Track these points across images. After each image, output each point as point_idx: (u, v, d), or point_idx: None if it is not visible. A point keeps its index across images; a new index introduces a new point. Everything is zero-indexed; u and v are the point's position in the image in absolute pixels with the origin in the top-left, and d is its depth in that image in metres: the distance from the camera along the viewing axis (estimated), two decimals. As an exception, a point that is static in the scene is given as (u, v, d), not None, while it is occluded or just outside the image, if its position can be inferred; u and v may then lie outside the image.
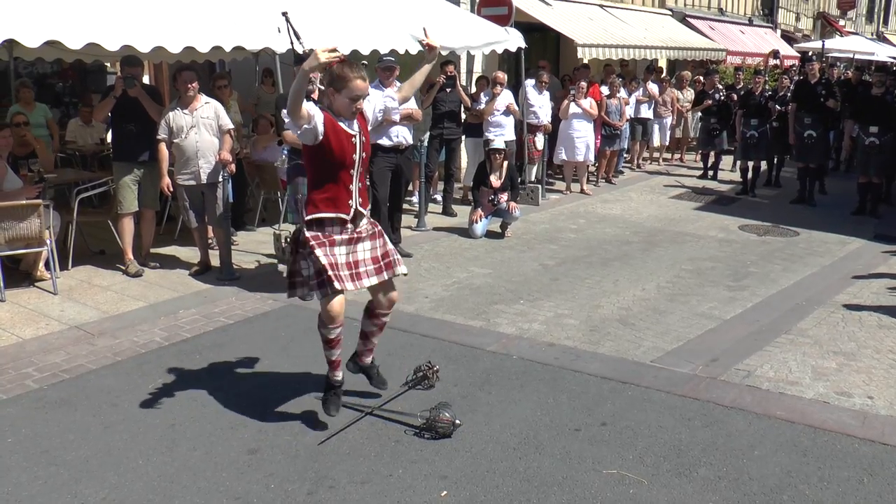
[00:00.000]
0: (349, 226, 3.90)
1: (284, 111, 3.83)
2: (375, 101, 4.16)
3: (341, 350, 4.05)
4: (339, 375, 4.10)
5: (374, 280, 3.95)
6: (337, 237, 3.87)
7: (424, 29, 4.22)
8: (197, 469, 3.67)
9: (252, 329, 5.53)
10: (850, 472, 3.66)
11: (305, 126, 3.70)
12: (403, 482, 3.55)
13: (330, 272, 3.76)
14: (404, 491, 3.49)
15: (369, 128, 4.09)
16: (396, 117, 4.26)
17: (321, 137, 3.75)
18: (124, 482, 3.56)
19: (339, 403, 4.09)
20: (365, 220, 4.00)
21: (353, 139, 3.85)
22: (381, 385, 4.31)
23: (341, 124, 3.81)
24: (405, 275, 4.08)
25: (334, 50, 3.54)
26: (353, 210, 3.89)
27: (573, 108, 10.68)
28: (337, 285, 3.77)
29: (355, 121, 3.89)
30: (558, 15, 13.24)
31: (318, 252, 3.78)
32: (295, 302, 6.05)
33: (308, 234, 3.85)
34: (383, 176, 7.35)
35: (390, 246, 4.06)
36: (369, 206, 4.09)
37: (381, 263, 3.97)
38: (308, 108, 3.69)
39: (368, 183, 4.84)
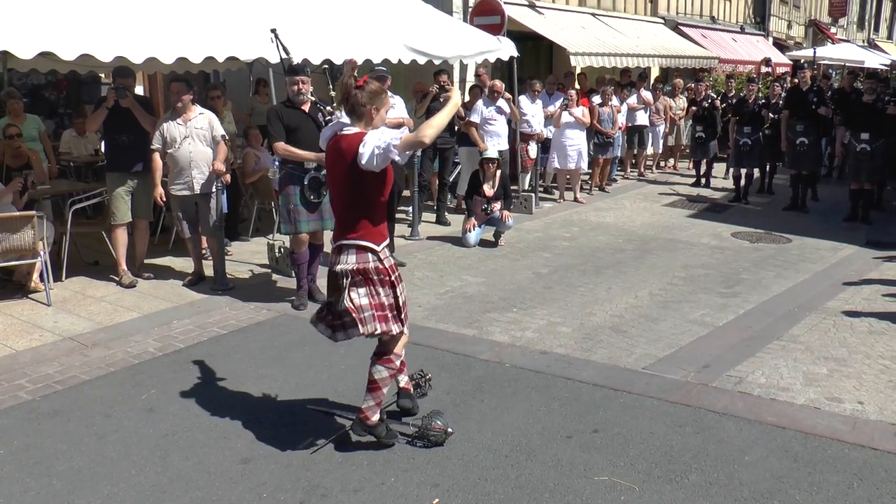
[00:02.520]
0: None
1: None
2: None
3: None
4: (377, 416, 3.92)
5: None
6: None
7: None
8: (190, 479, 3.68)
9: (246, 339, 5.53)
10: (840, 476, 3.68)
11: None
12: (396, 490, 3.57)
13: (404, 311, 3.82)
14: (396, 499, 3.50)
15: None
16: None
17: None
18: (117, 492, 3.56)
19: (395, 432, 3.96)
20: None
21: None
22: None
23: None
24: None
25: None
26: None
27: (565, 117, 10.73)
28: (397, 327, 3.81)
29: None
30: (551, 24, 13.32)
31: (399, 288, 3.79)
32: (288, 312, 6.14)
33: (385, 264, 3.74)
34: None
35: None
36: None
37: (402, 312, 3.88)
38: None
39: None
